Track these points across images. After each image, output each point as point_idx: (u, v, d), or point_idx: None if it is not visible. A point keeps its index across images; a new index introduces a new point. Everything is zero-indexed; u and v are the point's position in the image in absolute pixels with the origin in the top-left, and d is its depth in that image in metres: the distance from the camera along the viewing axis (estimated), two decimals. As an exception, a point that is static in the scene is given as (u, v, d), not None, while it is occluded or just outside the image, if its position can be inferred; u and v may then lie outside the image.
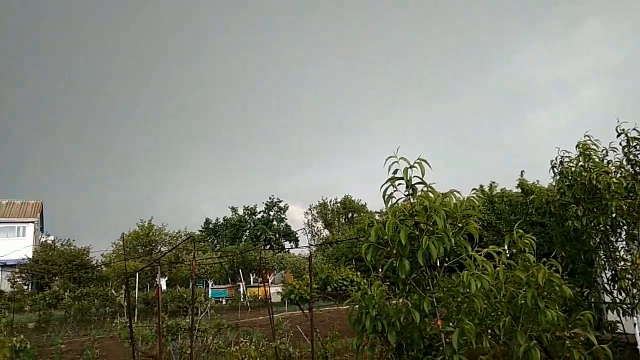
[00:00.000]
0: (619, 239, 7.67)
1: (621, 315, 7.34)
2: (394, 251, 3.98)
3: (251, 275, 37.43)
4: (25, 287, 35.84)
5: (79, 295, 26.28)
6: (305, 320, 9.57)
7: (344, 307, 18.92)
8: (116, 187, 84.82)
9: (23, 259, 37.05)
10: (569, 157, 8.15)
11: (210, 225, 68.29)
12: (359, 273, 18.32)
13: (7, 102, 78.45)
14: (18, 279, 36.22)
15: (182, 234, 47.32)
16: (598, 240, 7.46)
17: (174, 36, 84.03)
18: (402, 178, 3.97)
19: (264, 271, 30.19)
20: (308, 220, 67.01)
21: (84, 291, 27.00)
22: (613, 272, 7.39)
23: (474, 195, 4.34)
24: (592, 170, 7.38)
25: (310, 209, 67.27)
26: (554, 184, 8.62)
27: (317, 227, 66.34)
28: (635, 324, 7.31)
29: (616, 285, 7.29)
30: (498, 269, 4.12)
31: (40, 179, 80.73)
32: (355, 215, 61.52)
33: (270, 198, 65.83)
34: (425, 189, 4.05)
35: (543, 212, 8.63)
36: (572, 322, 4.21)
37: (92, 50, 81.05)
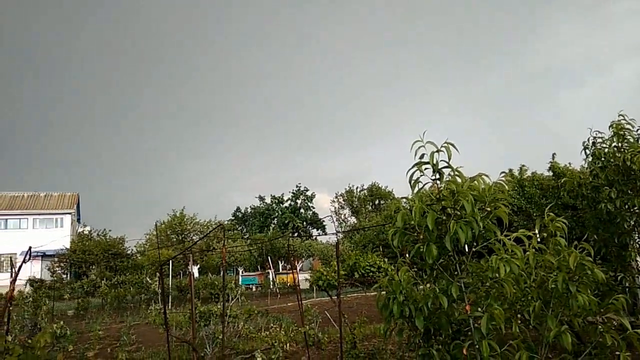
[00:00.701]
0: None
1: (658, 299, 7.14)
2: (421, 236, 3.97)
3: (280, 262, 37.87)
4: (64, 276, 37.22)
5: (115, 284, 27.16)
6: (333, 306, 9.66)
7: (372, 294, 18.96)
8: (150, 178, 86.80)
9: (61, 249, 38.44)
10: (602, 137, 7.91)
11: (239, 214, 69.24)
12: (386, 259, 18.32)
13: (43, 96, 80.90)
14: (57, 269, 37.65)
15: (213, 223, 48.18)
16: (632, 222, 7.25)
17: (204, 27, 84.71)
18: (428, 162, 3.94)
19: (292, 258, 30.49)
20: (335, 208, 67.15)
21: (120, 279, 27.88)
22: (649, 255, 7.18)
23: (503, 179, 4.28)
24: (626, 151, 7.15)
25: (337, 197, 67.39)
26: (586, 166, 8.39)
27: (344, 215, 66.44)
28: (672, 309, 7.11)
29: (653, 269, 7.09)
30: (528, 253, 4.07)
31: (76, 171, 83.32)
32: (382, 202, 61.30)
33: (297, 186, 66.29)
34: (452, 173, 4.01)
35: (575, 195, 8.41)
36: (605, 306, 4.13)
37: (128, 44, 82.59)
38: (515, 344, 3.84)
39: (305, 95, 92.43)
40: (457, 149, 3.84)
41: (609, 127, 7.72)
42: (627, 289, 7.53)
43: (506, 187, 4.20)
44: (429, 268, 4.10)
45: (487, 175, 3.97)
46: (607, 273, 7.31)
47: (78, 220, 54.21)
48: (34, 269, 36.00)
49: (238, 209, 69.62)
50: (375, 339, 10.38)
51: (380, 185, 64.13)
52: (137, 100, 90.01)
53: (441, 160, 3.93)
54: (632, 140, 7.52)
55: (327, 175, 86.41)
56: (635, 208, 7.06)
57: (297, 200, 66.26)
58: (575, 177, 8.57)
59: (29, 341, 5.33)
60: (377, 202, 63.45)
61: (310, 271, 29.75)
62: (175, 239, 44.45)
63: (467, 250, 4.06)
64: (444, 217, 3.89)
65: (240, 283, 30.88)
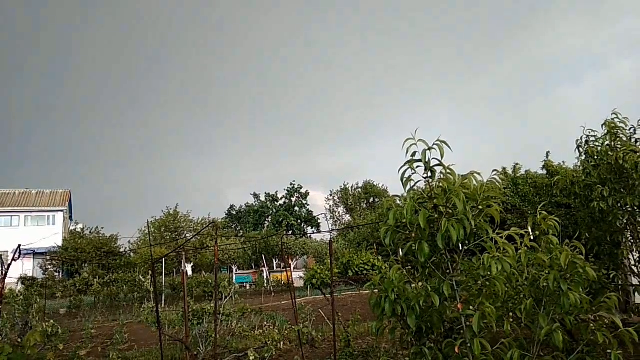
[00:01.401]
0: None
1: (649, 297, 7.17)
2: (413, 234, 3.94)
3: (274, 260, 37.83)
4: (56, 274, 37.00)
5: (108, 282, 27.02)
6: (327, 304, 9.64)
7: (366, 292, 18.96)
8: (143, 175, 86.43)
9: (53, 247, 38.19)
10: (595, 136, 7.92)
11: (234, 212, 69.11)
12: (380, 257, 18.33)
13: (35, 93, 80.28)
14: (49, 266, 37.41)
15: (207, 221, 48.03)
16: (625, 221, 7.28)
17: (201, 22, 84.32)
18: (420, 160, 3.92)
19: (286, 256, 30.44)
20: (330, 206, 67.17)
21: (113, 277, 27.73)
22: (640, 253, 7.21)
23: (496, 176, 4.27)
24: (619, 150, 7.17)
25: (331, 195, 67.41)
26: (579, 164, 8.41)
27: (339, 213, 66.48)
28: (663, 307, 7.15)
29: (644, 267, 7.12)
30: (520, 251, 4.06)
31: (69, 168, 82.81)
32: (376, 200, 61.38)
33: (291, 184, 66.20)
34: (444, 171, 3.99)
35: (568, 194, 8.43)
36: (597, 304, 4.13)
37: (123, 39, 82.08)
38: (507, 342, 3.83)
39: (301, 93, 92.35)
40: (449, 147, 3.82)
41: (602, 125, 7.73)
42: (619, 287, 7.57)
43: (499, 185, 4.19)
44: (421, 266, 4.07)
45: (478, 174, 3.95)
46: (599, 271, 7.35)
47: (70, 217, 53.90)
48: (25, 267, 35.75)
49: (232, 207, 69.51)
50: (370, 337, 10.39)
51: (375, 183, 64.24)
52: (131, 96, 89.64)
53: (433, 158, 3.90)
54: (624, 138, 7.54)
55: (323, 172, 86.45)
56: (628, 206, 7.08)
57: (292, 198, 66.24)
58: (569, 175, 8.59)
59: (19, 340, 5.27)
60: (371, 200, 63.53)
61: (304, 269, 29.73)
62: (168, 237, 44.28)
63: (459, 248, 4.04)
64: (436, 215, 3.87)
65: (234, 281, 30.81)
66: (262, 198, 67.11)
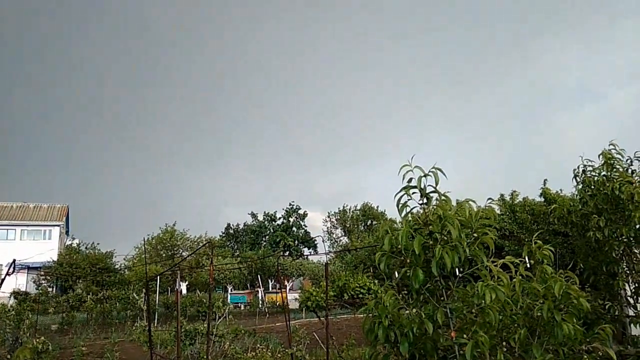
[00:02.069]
0: (644, 251, 7.47)
1: (645, 329, 7.13)
2: (408, 260, 3.95)
3: (270, 281, 37.53)
4: (50, 290, 36.63)
5: (101, 298, 26.75)
6: (322, 327, 9.55)
7: (361, 316, 18.71)
8: (142, 191, 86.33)
9: (48, 262, 37.89)
10: (592, 166, 7.99)
11: (231, 231, 68.86)
12: (376, 281, 18.21)
13: (33, 107, 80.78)
14: (43, 281, 37.06)
15: (203, 239, 47.80)
16: (621, 251, 7.28)
17: (202, 36, 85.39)
18: (416, 187, 3.96)
19: (281, 277, 30.24)
20: (327, 227, 66.97)
21: (106, 294, 27.46)
22: (636, 284, 7.19)
23: (491, 204, 4.30)
24: (615, 180, 7.22)
25: (329, 216, 67.28)
26: (576, 193, 8.45)
27: (337, 234, 66.25)
28: (659, 339, 7.10)
29: (639, 299, 7.10)
30: (515, 280, 4.06)
31: (67, 183, 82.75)
32: (374, 222, 61.24)
33: (290, 204, 66.14)
34: (439, 198, 4.02)
35: (565, 222, 8.45)
36: (591, 335, 4.11)
37: (121, 51, 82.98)
38: (500, 372, 3.80)
39: (303, 114, 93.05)
40: (444, 174, 3.86)
41: (599, 155, 7.80)
42: (615, 318, 7.52)
43: (494, 213, 4.22)
44: (416, 292, 4.07)
45: (473, 201, 3.98)
46: (595, 301, 7.34)
47: (67, 232, 53.63)
48: (19, 281, 35.40)
49: (229, 226, 69.27)
50: (363, 362, 10.26)
51: (373, 206, 64.18)
52: (131, 111, 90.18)
53: (429, 185, 3.94)
54: (621, 169, 7.60)
55: (322, 194, 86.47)
56: (623, 237, 7.10)
57: (290, 219, 66.06)
58: (566, 204, 8.62)
59: (9, 357, 5.22)
60: (369, 222, 63.39)
61: (300, 291, 29.49)
62: (164, 255, 44.02)
63: (454, 275, 4.05)
64: (431, 242, 3.89)
65: (228, 301, 30.52)
66: (260, 218, 66.96)
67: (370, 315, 4.23)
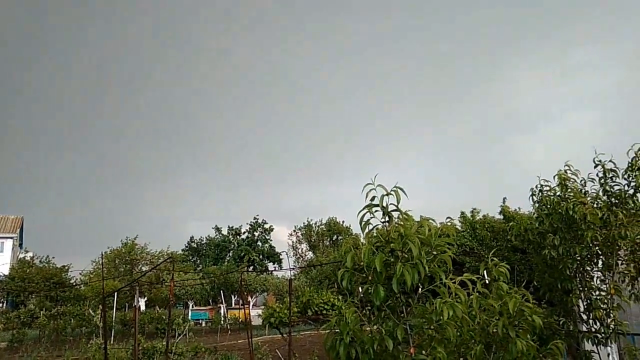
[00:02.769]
0: (595, 269, 7.79)
1: (596, 344, 7.40)
2: (370, 277, 4.00)
3: (233, 297, 36.94)
4: (0, 305, 34.86)
5: (55, 315, 25.64)
6: (285, 344, 9.46)
7: (325, 332, 18.66)
8: (100, 203, 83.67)
9: (0, 276, 36.13)
10: (548, 186, 8.31)
11: (194, 245, 67.55)
12: (340, 297, 18.23)
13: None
14: (-8, 297, 35.26)
15: (164, 254, 46.67)
16: (574, 269, 7.57)
17: (163, 49, 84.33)
18: (378, 205, 4.03)
19: (245, 293, 29.83)
20: (292, 242, 66.66)
21: (61, 310, 26.36)
22: (588, 301, 7.47)
23: (449, 222, 4.42)
24: (569, 201, 7.52)
25: (295, 230, 67.01)
26: (533, 212, 8.76)
27: (302, 249, 65.99)
28: (609, 354, 7.37)
29: (591, 315, 7.37)
30: (472, 297, 4.17)
31: (21, 193, 79.45)
32: (340, 237, 61.40)
33: (255, 219, 65.47)
34: (401, 216, 4.11)
35: (522, 240, 8.73)
36: (545, 351, 4.25)
37: (78, 61, 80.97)
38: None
39: (269, 128, 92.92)
40: (405, 194, 3.95)
41: (554, 176, 8.13)
42: (569, 333, 7.78)
43: (453, 230, 4.33)
44: (377, 309, 4.12)
45: (433, 220, 4.08)
46: (551, 317, 7.59)
47: (20, 245, 51.34)
48: (-34, 297, 33.56)
49: (192, 239, 67.95)
50: (325, 379, 10.21)
51: (338, 221, 64.38)
52: (89, 122, 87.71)
53: (390, 204, 4.02)
54: (575, 190, 7.93)
55: (288, 208, 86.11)
56: (577, 255, 7.38)
57: (255, 233, 65.40)
58: (524, 222, 8.91)
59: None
60: (335, 237, 63.50)
61: (263, 307, 29.16)
62: (123, 269, 42.70)
63: (414, 292, 4.12)
64: (392, 259, 3.95)
65: (189, 318, 29.83)
66: (225, 232, 66.03)
67: (332, 332, 4.24)
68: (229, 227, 65.77)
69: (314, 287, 28.91)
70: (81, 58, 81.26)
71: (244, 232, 65.42)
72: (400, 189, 3.97)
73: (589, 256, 7.47)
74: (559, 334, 7.63)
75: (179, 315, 23.52)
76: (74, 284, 37.06)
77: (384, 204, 4.05)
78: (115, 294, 26.97)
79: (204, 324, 31.80)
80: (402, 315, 4.02)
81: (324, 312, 16.32)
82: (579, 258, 7.52)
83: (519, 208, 22.50)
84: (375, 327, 4.13)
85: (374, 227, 4.14)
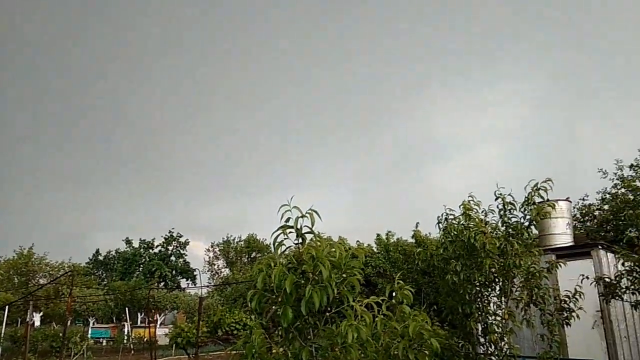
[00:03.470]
0: (492, 294, 8.38)
1: (491, 366, 7.90)
2: (279, 299, 4.02)
3: (139, 314, 35.04)
4: None
5: None
6: (191, 365, 9.12)
7: (234, 352, 18.22)
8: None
9: None
10: (453, 214, 8.87)
11: (100, 258, 63.47)
12: (253, 317, 17.95)
13: None
14: None
15: (66, 266, 43.35)
16: (473, 294, 8.08)
17: (74, 53, 79.64)
18: (292, 227, 4.08)
19: (152, 311, 28.43)
20: (209, 258, 64.80)
21: None
22: (485, 325, 7.99)
23: (359, 246, 4.56)
24: (471, 229, 8.06)
25: (212, 246, 65.27)
26: (440, 238, 9.29)
27: (218, 266, 64.33)
28: (502, 375, 7.89)
29: (487, 338, 7.88)
30: (377, 319, 4.31)
31: None
32: (258, 255, 60.67)
33: (170, 232, 62.91)
34: (314, 238, 4.19)
35: (428, 264, 9.21)
36: (441, 373, 4.48)
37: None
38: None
39: (188, 141, 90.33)
40: (319, 217, 4.05)
41: (459, 206, 8.69)
42: (469, 355, 8.25)
43: (363, 254, 4.48)
44: (285, 331, 4.13)
45: (344, 243, 4.21)
46: (452, 339, 8.02)
47: None
48: None
49: (98, 252, 63.87)
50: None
51: (258, 238, 63.69)
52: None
53: (305, 226, 4.09)
54: (477, 220, 8.52)
55: (207, 222, 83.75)
56: (476, 281, 7.90)
57: (169, 247, 62.77)
58: (431, 247, 9.40)
59: None
60: (253, 254, 62.65)
61: (172, 326, 27.94)
62: (18, 281, 39.07)
63: (323, 314, 4.19)
64: (303, 281, 4.00)
65: (89, 335, 27.81)
66: (136, 244, 62.70)
67: (239, 354, 4.19)
68: (140, 239, 62.60)
69: (228, 305, 28.24)
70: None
71: (157, 246, 62.57)
72: (315, 211, 4.06)
73: (486, 282, 8.01)
74: (458, 356, 8.09)
75: (77, 333, 21.83)
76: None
77: (298, 226, 4.11)
78: (6, 307, 24.57)
79: (104, 343, 29.79)
80: (309, 337, 4.07)
81: (235, 332, 15.97)
82: (478, 284, 8.05)
83: (429, 233, 23.68)
84: (281, 349, 4.14)
85: (287, 248, 4.19)
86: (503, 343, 7.92)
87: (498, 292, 8.34)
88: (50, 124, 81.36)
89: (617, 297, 9.89)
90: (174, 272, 60.41)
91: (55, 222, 79.44)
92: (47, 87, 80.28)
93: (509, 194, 8.79)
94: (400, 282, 4.88)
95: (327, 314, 4.14)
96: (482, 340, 8.33)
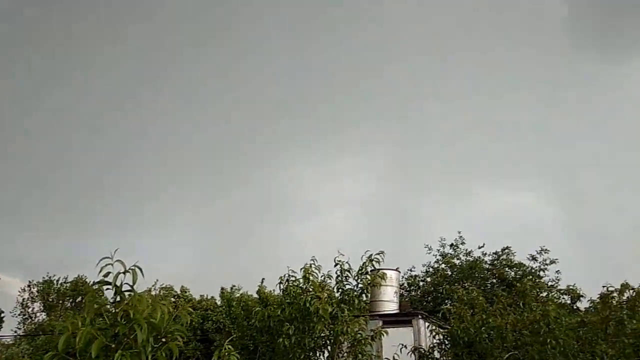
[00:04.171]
0: (321, 358, 8.57)
1: None
2: (83, 365, 3.58)
3: None
4: None
5: None
6: None
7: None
8: None
9: None
10: (294, 276, 9.05)
11: None
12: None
13: None
14: None
15: None
16: (302, 358, 8.17)
17: None
18: (110, 283, 3.74)
19: None
20: (24, 299, 55.96)
21: None
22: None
23: (187, 309, 4.35)
24: (308, 294, 8.28)
25: (30, 285, 56.65)
26: (280, 299, 9.35)
27: (33, 309, 55.77)
28: None
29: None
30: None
31: None
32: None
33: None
34: (135, 297, 3.88)
35: (264, 325, 9.15)
36: None
37: None
38: None
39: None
40: (142, 273, 3.78)
41: (301, 269, 8.93)
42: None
43: (188, 317, 4.26)
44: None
45: (164, 304, 3.97)
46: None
47: None
48: None
49: None
50: None
51: (88, 281, 57.18)
52: None
53: (125, 283, 3.78)
54: (315, 284, 8.79)
55: (25, 258, 72.72)
56: (306, 346, 8.03)
57: (-27, 283, 52.96)
58: (272, 305, 9.40)
59: None
60: (79, 298, 55.80)
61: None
62: None
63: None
64: (113, 345, 3.64)
65: None
66: None
67: None
68: None
69: (38, 357, 24.41)
70: None
71: (-43, 281, 52.44)
72: (139, 267, 3.78)
73: (316, 347, 8.19)
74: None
75: None
76: None
77: (118, 283, 3.78)
78: None
79: None
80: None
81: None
82: (308, 348, 8.18)
83: (274, 290, 23.65)
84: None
85: (101, 306, 3.80)
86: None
87: (327, 357, 8.56)
88: None
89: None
90: (-26, 313, 50.83)
91: None
92: None
93: (347, 262, 9.30)
94: (229, 346, 4.74)
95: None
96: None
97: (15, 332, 37.30)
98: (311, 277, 8.88)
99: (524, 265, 17.54)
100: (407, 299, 18.65)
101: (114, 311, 3.78)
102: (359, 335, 8.44)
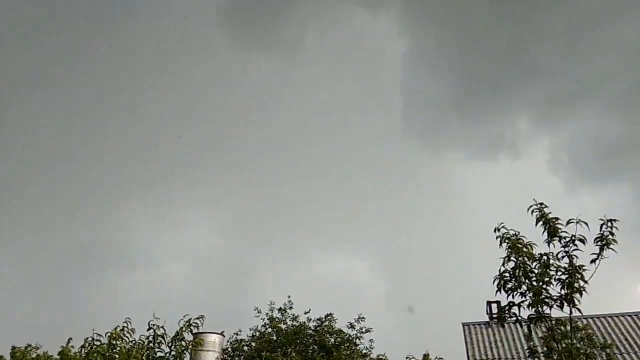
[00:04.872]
0: None
1: None
2: None
3: None
4: None
5: None
6: None
7: None
8: None
9: None
10: (100, 340, 8.26)
11: None
12: None
13: None
14: None
15: None
16: None
17: None
18: None
19: None
20: None
21: None
22: None
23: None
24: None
25: None
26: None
27: None
28: None
29: None
30: None
31: None
32: None
33: None
34: None
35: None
36: None
37: None
38: None
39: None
40: None
41: (105, 333, 8.20)
42: None
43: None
44: None
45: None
46: None
47: None
48: None
49: None
50: None
51: None
52: None
53: None
54: (123, 351, 8.12)
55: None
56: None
57: None
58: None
59: None
60: None
61: None
62: None
63: None
64: None
65: None
66: None
67: None
68: None
69: None
70: None
71: None
72: None
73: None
74: None
75: None
76: None
77: None
78: None
79: None
80: None
81: None
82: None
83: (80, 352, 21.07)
84: None
85: None
86: None
87: None
88: None
89: None
90: None
91: None
92: None
93: (162, 326, 8.74)
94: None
95: None
96: None
97: None
98: (119, 343, 8.18)
99: (343, 332, 18.32)
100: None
101: None
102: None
